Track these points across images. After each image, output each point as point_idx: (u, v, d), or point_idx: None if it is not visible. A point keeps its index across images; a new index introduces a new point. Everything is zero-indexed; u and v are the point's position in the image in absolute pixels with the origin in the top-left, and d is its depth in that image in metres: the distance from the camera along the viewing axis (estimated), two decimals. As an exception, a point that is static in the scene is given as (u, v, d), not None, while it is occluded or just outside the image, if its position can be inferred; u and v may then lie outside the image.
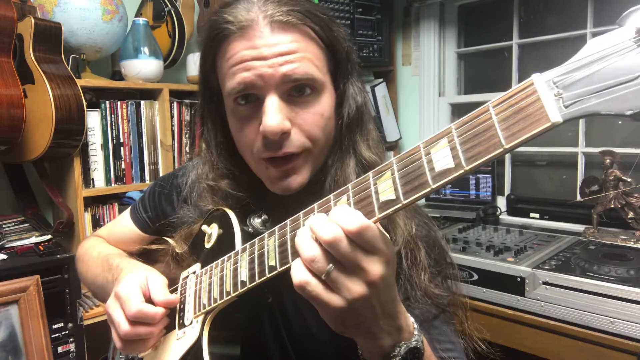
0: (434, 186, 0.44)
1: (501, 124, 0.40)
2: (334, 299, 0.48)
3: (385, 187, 0.47)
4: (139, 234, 0.97)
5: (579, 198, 1.87)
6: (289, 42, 0.63)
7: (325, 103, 0.68)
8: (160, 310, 0.69)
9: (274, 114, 0.63)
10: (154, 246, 0.92)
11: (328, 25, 0.68)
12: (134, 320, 0.68)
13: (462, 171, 0.42)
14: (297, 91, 0.65)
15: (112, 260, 0.87)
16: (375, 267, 0.47)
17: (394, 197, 0.47)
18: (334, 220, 0.47)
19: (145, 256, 0.91)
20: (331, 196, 0.53)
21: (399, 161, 0.47)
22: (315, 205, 0.54)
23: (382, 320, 0.51)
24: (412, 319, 0.56)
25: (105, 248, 0.97)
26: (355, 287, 0.47)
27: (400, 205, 0.46)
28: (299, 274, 0.49)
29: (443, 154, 0.43)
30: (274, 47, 0.63)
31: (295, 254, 0.52)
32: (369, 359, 0.55)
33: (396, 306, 0.52)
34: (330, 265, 0.47)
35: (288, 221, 0.57)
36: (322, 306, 0.49)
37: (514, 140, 0.39)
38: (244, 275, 0.62)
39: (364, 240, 0.47)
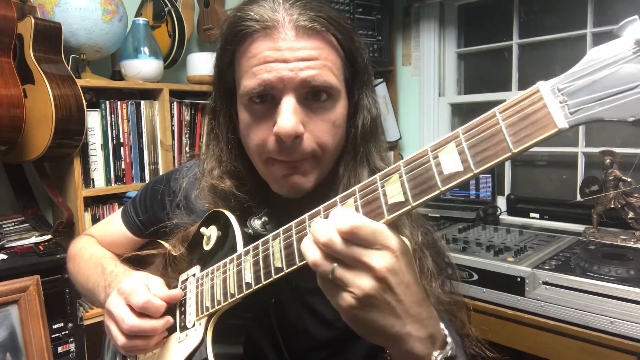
0: (443, 189, 0.45)
1: (509, 129, 0.41)
2: (345, 296, 0.48)
3: (394, 190, 0.48)
4: (131, 238, 0.96)
5: (579, 198, 1.88)
6: (311, 49, 0.63)
7: (338, 111, 0.68)
8: (164, 304, 0.70)
9: (289, 115, 0.62)
10: (146, 252, 0.92)
11: (350, 35, 0.68)
12: (141, 312, 0.68)
13: (471, 174, 0.43)
14: (313, 96, 0.65)
15: (106, 265, 0.86)
16: (378, 261, 0.47)
17: (402, 199, 0.47)
18: (329, 222, 0.48)
19: (138, 261, 0.90)
20: (337, 198, 0.53)
21: (406, 165, 0.48)
22: (321, 207, 0.54)
23: (410, 325, 0.49)
24: (442, 325, 0.54)
25: (98, 250, 0.95)
26: (363, 282, 0.47)
27: (409, 207, 0.47)
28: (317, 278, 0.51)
29: (451, 157, 0.44)
30: (296, 52, 0.63)
31: (303, 255, 0.52)
32: None
33: (426, 310, 0.51)
34: (334, 264, 0.48)
35: (293, 223, 0.57)
36: (338, 307, 0.49)
37: (522, 144, 0.41)
38: (248, 277, 0.62)
39: (359, 238, 0.47)
